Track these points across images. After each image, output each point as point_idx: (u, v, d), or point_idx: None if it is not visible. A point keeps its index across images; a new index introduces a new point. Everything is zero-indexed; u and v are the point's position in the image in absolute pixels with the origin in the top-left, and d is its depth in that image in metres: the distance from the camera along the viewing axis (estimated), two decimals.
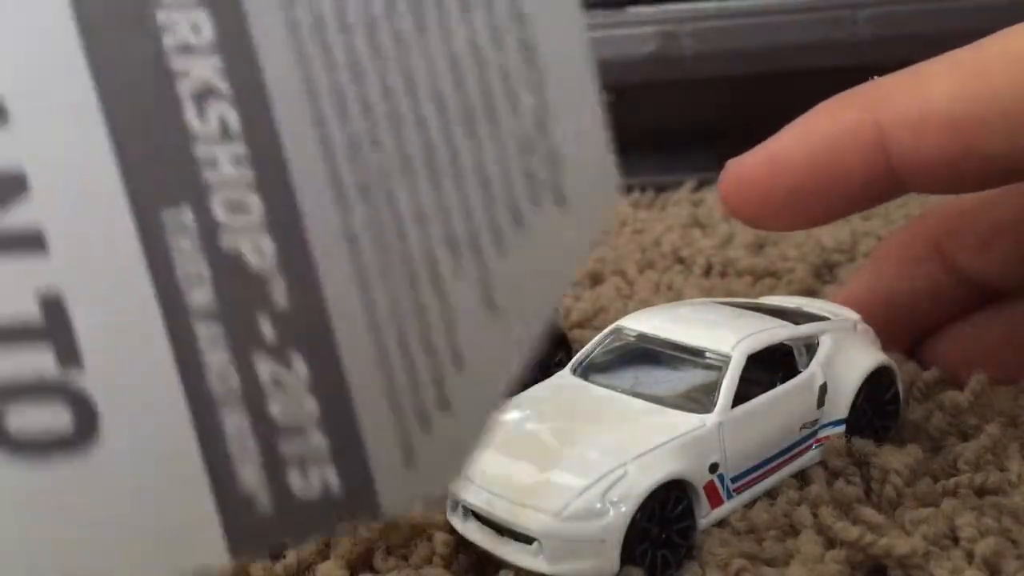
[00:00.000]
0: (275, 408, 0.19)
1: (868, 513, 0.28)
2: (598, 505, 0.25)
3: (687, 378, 0.30)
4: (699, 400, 0.29)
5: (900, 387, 0.33)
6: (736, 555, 0.27)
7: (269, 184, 0.18)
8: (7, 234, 0.18)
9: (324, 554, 0.28)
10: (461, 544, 0.28)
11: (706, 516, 0.28)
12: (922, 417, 0.33)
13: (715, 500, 0.28)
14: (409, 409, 0.19)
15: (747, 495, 0.29)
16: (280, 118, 0.18)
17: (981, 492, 0.29)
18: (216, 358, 0.18)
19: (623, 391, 0.29)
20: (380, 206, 0.19)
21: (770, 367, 0.30)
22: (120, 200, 0.18)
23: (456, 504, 0.28)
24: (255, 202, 0.18)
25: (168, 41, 0.18)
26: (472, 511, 0.27)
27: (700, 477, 0.27)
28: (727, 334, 0.30)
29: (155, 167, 0.18)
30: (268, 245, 0.18)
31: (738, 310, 0.33)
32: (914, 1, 0.60)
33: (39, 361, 0.18)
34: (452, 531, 0.28)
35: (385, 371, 0.19)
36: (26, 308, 0.18)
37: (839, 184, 0.30)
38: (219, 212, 0.18)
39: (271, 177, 0.18)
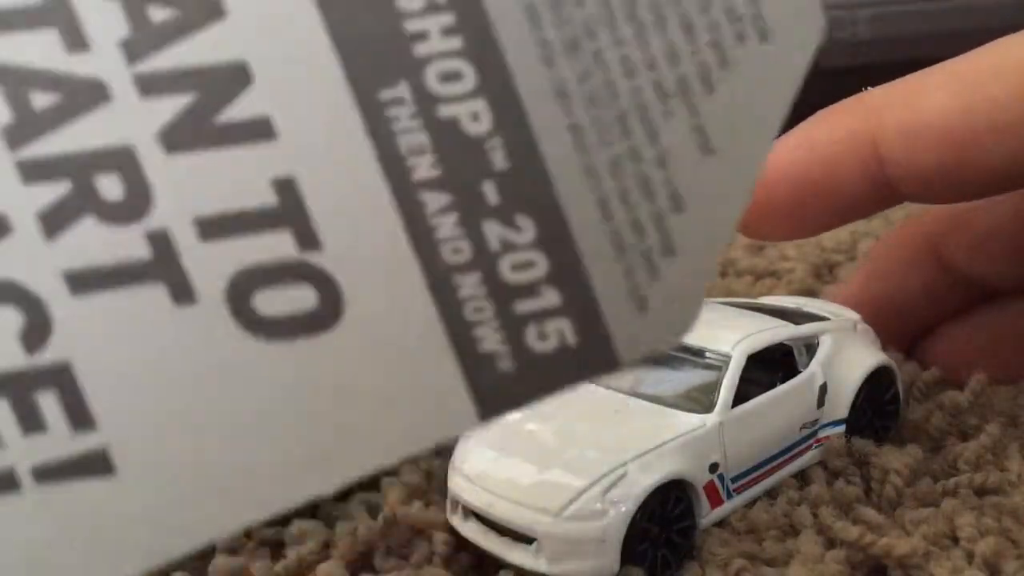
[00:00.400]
0: (506, 268, 0.19)
1: (868, 513, 0.28)
2: (598, 505, 0.25)
3: (687, 378, 0.30)
4: (699, 400, 0.29)
5: (900, 387, 0.33)
6: (736, 555, 0.27)
7: (478, 51, 0.19)
8: (236, 125, 0.18)
9: (324, 554, 0.28)
10: (461, 544, 0.28)
11: (706, 516, 0.28)
12: (922, 417, 0.33)
13: (715, 500, 0.28)
14: (636, 257, 0.19)
15: (747, 495, 0.29)
16: None
17: (981, 492, 0.29)
18: (445, 226, 0.19)
19: (623, 391, 0.29)
20: (587, 60, 0.19)
21: (770, 367, 0.30)
22: (340, 82, 0.18)
23: (456, 504, 0.28)
24: (467, 69, 0.19)
25: None
26: (472, 511, 0.27)
27: (700, 477, 0.27)
28: (727, 334, 0.30)
29: (369, 46, 0.18)
30: (484, 110, 0.19)
31: (738, 310, 0.33)
32: (914, 1, 0.60)
33: (280, 245, 0.18)
34: (452, 531, 0.28)
35: (608, 221, 0.19)
36: (262, 194, 0.18)
37: (836, 194, 0.30)
38: (434, 83, 0.19)
39: (480, 44, 0.19)
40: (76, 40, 0.18)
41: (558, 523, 0.25)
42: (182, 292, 0.18)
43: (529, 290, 0.19)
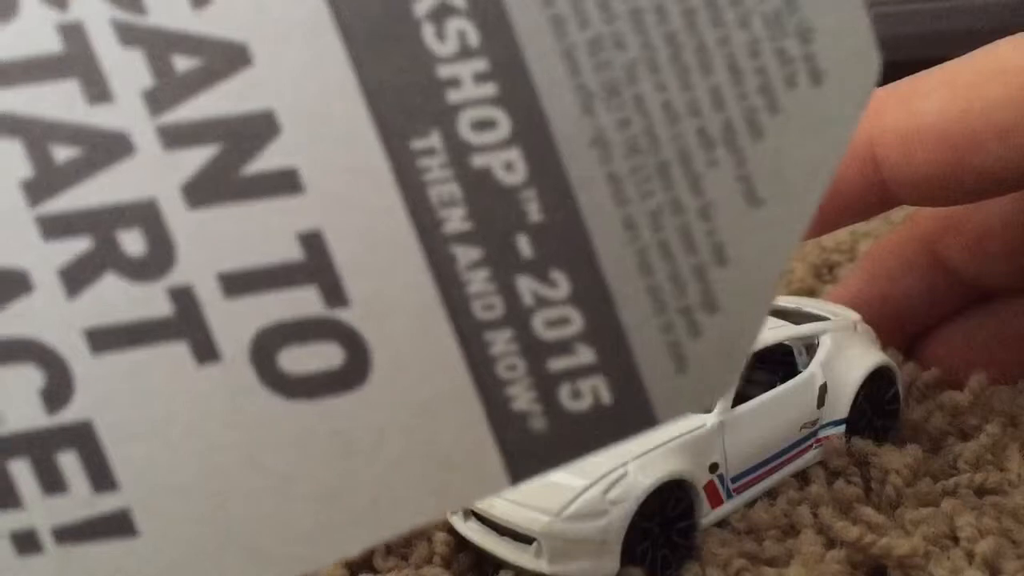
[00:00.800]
0: (540, 325, 0.18)
1: (868, 513, 0.28)
2: (598, 505, 0.25)
3: None
4: None
5: (900, 387, 0.33)
6: (736, 555, 0.26)
7: (514, 97, 0.18)
8: (262, 177, 0.18)
9: None
10: (461, 544, 0.28)
11: (706, 516, 0.28)
12: (922, 417, 0.33)
13: (715, 500, 0.28)
14: (675, 313, 0.18)
15: (747, 495, 0.29)
16: (519, 26, 0.18)
17: (981, 492, 0.29)
18: (477, 281, 0.18)
19: None
20: (627, 107, 0.18)
21: (770, 367, 0.30)
22: (369, 132, 0.18)
23: None
24: (501, 117, 0.18)
25: None
26: (472, 511, 0.27)
27: (700, 477, 0.27)
28: None
29: (400, 94, 0.18)
30: (518, 160, 0.18)
31: None
32: (918, 1, 0.60)
33: (306, 301, 0.18)
34: (452, 531, 0.28)
35: (647, 276, 0.18)
36: (288, 249, 0.18)
37: (833, 197, 0.30)
38: (466, 132, 0.18)
39: (515, 90, 0.18)
40: (99, 91, 0.17)
41: (558, 523, 0.25)
42: (205, 350, 0.18)
43: (563, 347, 0.18)
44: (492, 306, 0.18)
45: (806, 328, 0.32)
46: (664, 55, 0.18)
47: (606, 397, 0.19)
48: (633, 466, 0.26)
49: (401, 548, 0.28)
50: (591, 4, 0.18)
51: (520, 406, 0.18)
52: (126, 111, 0.17)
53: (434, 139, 0.18)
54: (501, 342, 0.18)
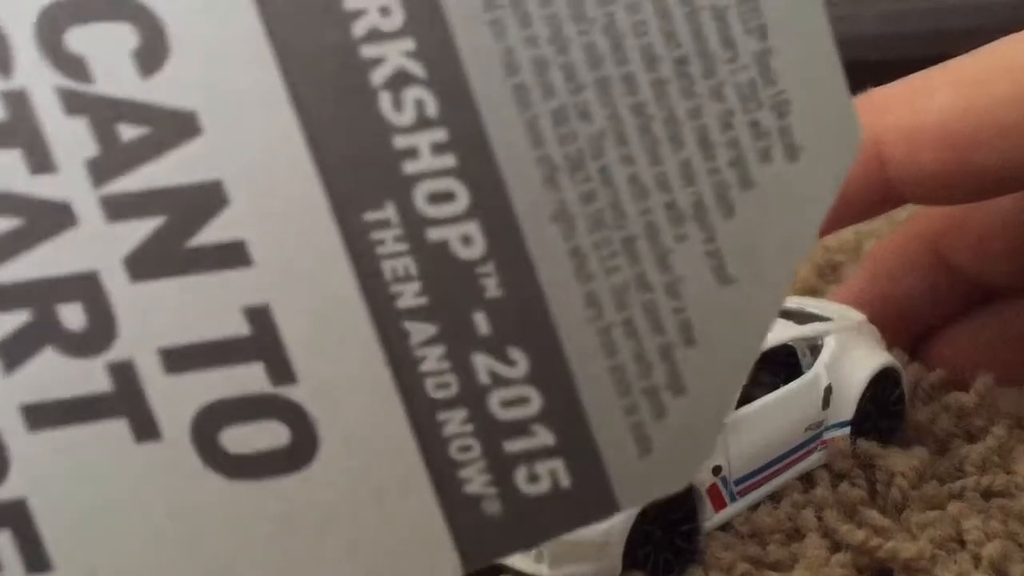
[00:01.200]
0: (496, 405, 0.18)
1: (873, 516, 0.27)
2: None
3: None
4: None
5: (905, 388, 0.32)
6: (740, 559, 0.26)
7: (473, 169, 0.17)
8: (208, 249, 0.17)
9: None
10: None
11: (709, 519, 0.27)
12: (927, 419, 0.32)
13: (718, 503, 0.28)
14: (640, 395, 0.18)
15: (751, 498, 0.28)
16: (479, 96, 0.17)
17: (988, 495, 0.29)
18: (431, 358, 0.17)
19: None
20: (593, 180, 0.17)
21: (773, 368, 0.30)
22: (320, 203, 0.17)
23: None
24: (459, 189, 0.17)
25: (358, 29, 0.17)
26: None
27: (703, 479, 0.27)
28: None
29: (354, 165, 0.17)
30: (476, 233, 0.17)
31: None
32: None
33: (251, 378, 0.17)
34: None
35: (611, 356, 0.18)
36: (233, 324, 0.17)
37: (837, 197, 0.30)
38: (423, 204, 0.17)
39: (474, 162, 0.17)
40: (42, 160, 0.16)
41: None
42: (145, 428, 0.17)
43: (520, 428, 0.18)
44: (446, 384, 0.18)
45: (810, 329, 0.31)
46: (632, 127, 0.17)
47: (565, 480, 0.18)
48: None
49: None
50: (556, 73, 0.17)
51: (473, 489, 0.18)
52: (69, 181, 0.17)
53: (389, 211, 0.17)
54: (455, 422, 0.18)
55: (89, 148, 0.17)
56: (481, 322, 0.17)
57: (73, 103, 0.16)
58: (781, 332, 0.30)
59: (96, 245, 0.17)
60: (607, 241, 0.17)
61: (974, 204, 0.34)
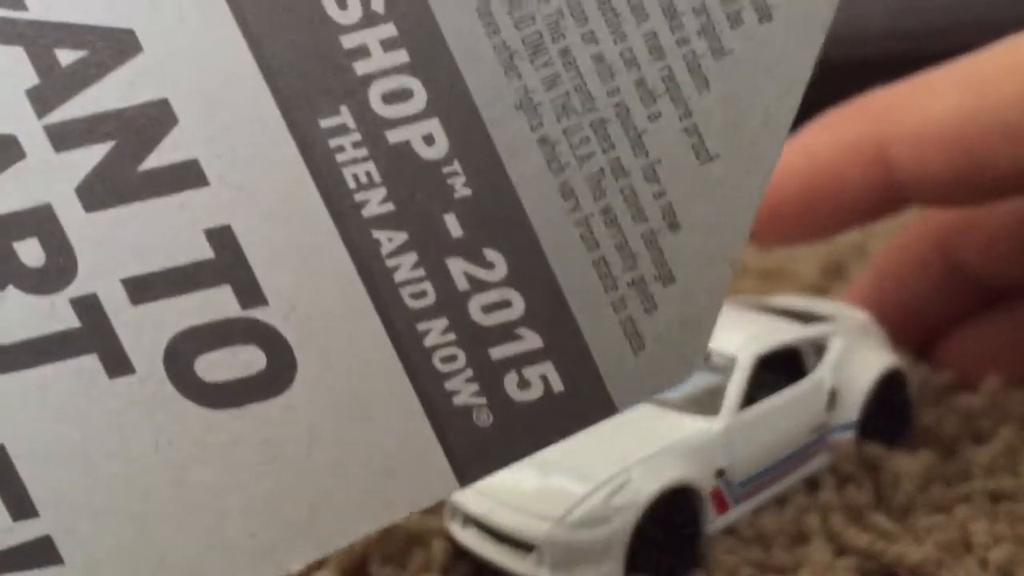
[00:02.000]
0: (477, 310, 0.17)
1: (879, 520, 0.27)
2: (601, 512, 0.25)
3: (692, 380, 0.29)
4: (705, 403, 0.28)
5: (912, 390, 0.32)
6: (744, 563, 0.26)
7: (427, 63, 0.16)
8: (162, 172, 0.16)
9: (320, 561, 0.27)
10: (460, 552, 0.27)
11: (713, 523, 0.27)
12: (934, 421, 0.32)
13: (721, 506, 0.27)
14: (627, 288, 0.17)
15: (755, 501, 0.28)
16: None
17: (995, 498, 0.28)
18: (404, 267, 0.17)
19: None
20: (555, 64, 0.17)
21: (778, 369, 0.30)
22: (272, 114, 0.17)
23: (454, 511, 0.27)
24: (415, 86, 0.17)
25: None
26: (471, 518, 0.27)
27: (706, 483, 0.27)
28: (734, 335, 0.29)
29: (302, 70, 0.16)
30: (438, 131, 0.17)
31: (745, 310, 0.32)
32: None
33: (219, 302, 0.17)
34: (450, 538, 0.28)
35: (592, 249, 0.17)
36: (195, 248, 0.17)
37: (842, 199, 0.30)
38: (379, 105, 0.17)
39: (428, 55, 0.16)
40: None
41: (559, 530, 0.25)
42: (117, 362, 0.17)
43: (505, 333, 0.17)
44: (423, 293, 0.17)
45: (816, 329, 0.31)
46: (591, 3, 0.17)
47: (557, 384, 0.17)
48: (637, 471, 0.25)
49: (397, 556, 0.27)
50: None
51: (462, 400, 0.17)
52: (12, 114, 0.16)
53: (345, 116, 0.17)
54: (436, 332, 0.17)
55: (29, 78, 0.16)
56: (453, 224, 0.17)
57: (8, 32, 0.16)
58: (786, 333, 0.30)
59: (46, 176, 0.16)
60: (577, 127, 0.17)
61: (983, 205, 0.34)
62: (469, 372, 0.17)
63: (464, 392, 0.17)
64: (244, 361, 0.17)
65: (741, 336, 0.29)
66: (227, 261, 0.17)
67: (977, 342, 0.35)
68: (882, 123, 0.29)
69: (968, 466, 0.30)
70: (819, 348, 0.31)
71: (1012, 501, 0.28)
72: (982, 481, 0.29)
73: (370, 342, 0.17)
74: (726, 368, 0.28)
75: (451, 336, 0.17)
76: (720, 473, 0.27)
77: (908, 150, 0.28)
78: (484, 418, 0.17)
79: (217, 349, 0.17)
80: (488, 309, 0.17)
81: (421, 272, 0.17)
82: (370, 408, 0.17)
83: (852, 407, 0.30)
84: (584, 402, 0.18)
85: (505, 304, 0.17)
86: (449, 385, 0.17)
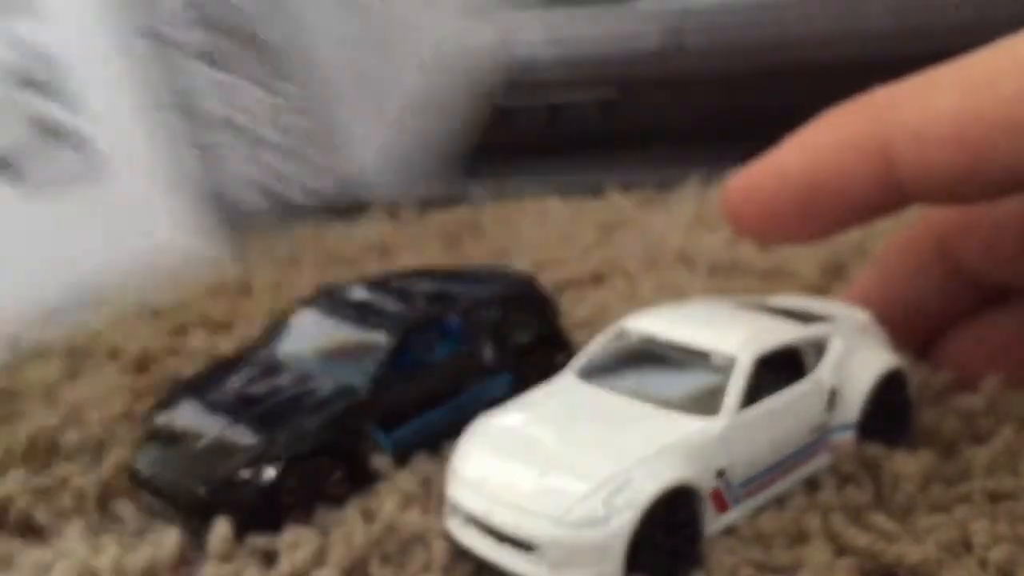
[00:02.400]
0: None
1: (879, 520, 0.27)
2: (601, 511, 0.25)
3: (692, 380, 0.29)
4: (705, 403, 0.28)
5: (912, 390, 0.32)
6: (744, 563, 0.26)
7: None
8: None
9: (319, 561, 0.27)
10: (459, 552, 0.27)
11: (712, 523, 0.27)
12: (934, 421, 0.32)
13: (721, 506, 0.27)
14: None
15: (755, 501, 0.28)
16: None
17: (995, 498, 0.29)
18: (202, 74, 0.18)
19: (626, 393, 0.29)
20: None
21: (778, 369, 0.30)
22: None
23: (454, 510, 0.27)
24: None
25: None
26: (471, 518, 0.27)
27: (706, 482, 0.27)
28: (734, 335, 0.29)
29: None
30: None
31: (745, 310, 0.32)
32: None
33: (40, 111, 0.18)
34: (450, 538, 0.28)
35: None
36: (20, 62, 0.17)
37: (844, 197, 0.30)
38: None
39: None
40: None
41: (559, 529, 0.25)
42: None
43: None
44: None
45: (815, 329, 0.31)
46: None
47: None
48: (637, 471, 0.25)
49: (398, 556, 0.27)
50: None
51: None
52: None
53: None
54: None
55: None
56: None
57: None
58: (786, 333, 0.30)
59: None
60: None
61: (984, 204, 0.34)
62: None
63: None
64: (62, 162, 0.18)
65: (742, 337, 0.29)
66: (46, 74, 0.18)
67: (978, 342, 0.35)
68: (884, 121, 0.29)
69: (968, 466, 0.30)
70: (819, 348, 0.31)
71: (1012, 501, 0.28)
72: (982, 481, 0.29)
73: (171, 144, 0.18)
74: (726, 368, 0.28)
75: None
76: (720, 473, 0.27)
77: (910, 148, 0.28)
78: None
79: (39, 151, 0.18)
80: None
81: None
82: (172, 200, 0.19)
83: (852, 407, 0.30)
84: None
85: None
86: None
